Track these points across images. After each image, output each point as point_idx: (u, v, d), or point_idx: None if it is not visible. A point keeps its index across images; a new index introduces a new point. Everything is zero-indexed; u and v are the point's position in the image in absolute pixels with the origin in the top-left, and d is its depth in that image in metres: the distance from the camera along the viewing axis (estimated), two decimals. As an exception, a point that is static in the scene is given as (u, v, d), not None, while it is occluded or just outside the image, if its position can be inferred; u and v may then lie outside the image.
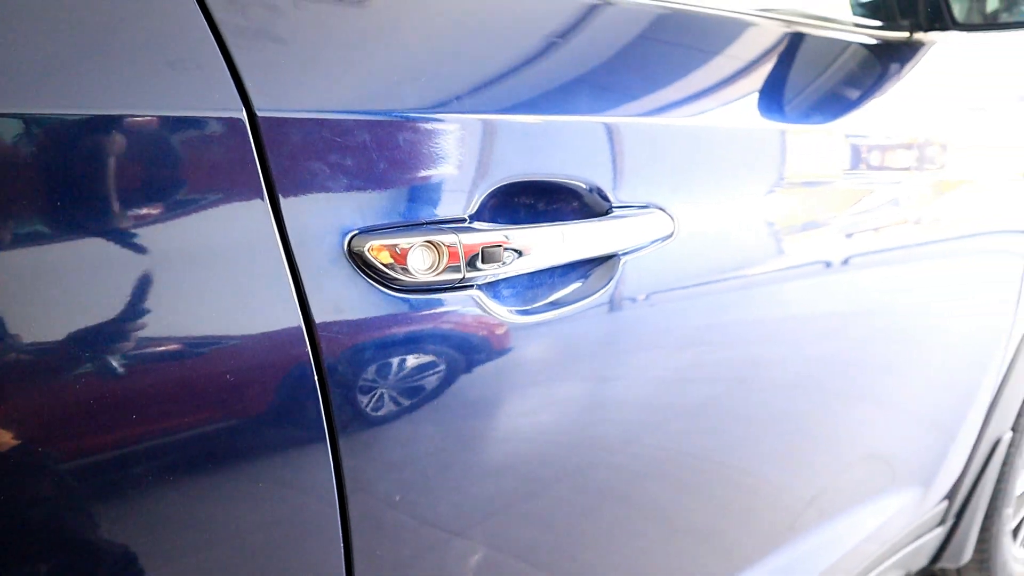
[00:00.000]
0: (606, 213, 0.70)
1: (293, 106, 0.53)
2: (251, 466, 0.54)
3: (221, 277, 0.50)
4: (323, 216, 0.54)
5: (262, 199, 0.51)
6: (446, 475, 0.64)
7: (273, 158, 0.52)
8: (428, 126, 0.59)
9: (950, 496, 1.55)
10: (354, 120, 0.56)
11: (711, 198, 0.82)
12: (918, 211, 1.13)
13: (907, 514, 1.42)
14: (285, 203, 0.52)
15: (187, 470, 0.51)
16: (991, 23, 1.22)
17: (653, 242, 0.74)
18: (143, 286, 0.48)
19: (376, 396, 0.58)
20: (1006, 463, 1.63)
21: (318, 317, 0.54)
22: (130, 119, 0.47)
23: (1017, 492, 1.74)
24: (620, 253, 0.71)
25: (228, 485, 0.53)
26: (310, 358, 0.54)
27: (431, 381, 0.60)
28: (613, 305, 0.71)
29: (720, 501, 0.97)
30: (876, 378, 1.17)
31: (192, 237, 0.49)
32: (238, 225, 0.51)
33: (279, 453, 0.55)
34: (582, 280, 0.70)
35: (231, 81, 0.51)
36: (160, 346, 0.49)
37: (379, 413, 0.58)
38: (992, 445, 1.58)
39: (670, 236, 0.75)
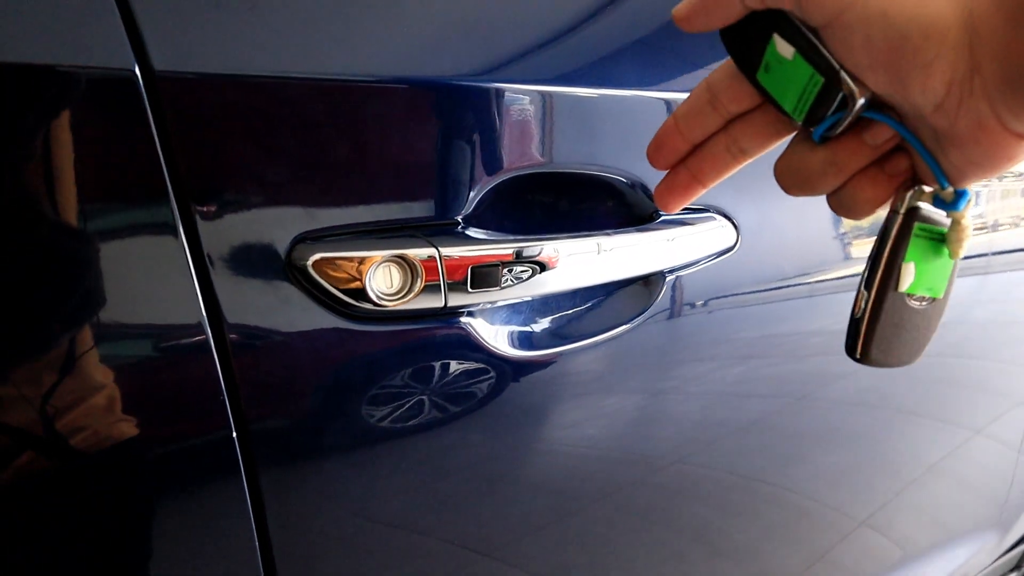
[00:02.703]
0: (651, 219, 0.54)
1: (209, 63, 0.38)
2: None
3: (111, 287, 0.35)
4: (251, 216, 0.39)
5: (161, 187, 0.36)
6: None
7: (178, 132, 0.37)
8: (402, 94, 0.43)
9: (1027, 540, 1.38)
10: (299, 83, 0.40)
11: (781, 201, 0.65)
12: (1006, 216, 0.95)
13: (980, 558, 1.25)
14: (195, 194, 0.37)
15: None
16: None
17: (711, 256, 0.57)
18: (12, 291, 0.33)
19: (317, 465, 0.43)
20: (1094, 505, 1.45)
21: (237, 356, 0.39)
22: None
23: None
24: (667, 271, 0.55)
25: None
26: (227, 406, 0.39)
27: (389, 445, 0.45)
28: (652, 329, 0.55)
29: (767, 523, 0.83)
30: (951, 396, 0.99)
31: (61, 228, 0.35)
32: (126, 220, 0.36)
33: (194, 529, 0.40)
34: (610, 303, 0.54)
35: (121, 26, 0.36)
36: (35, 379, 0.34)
37: (309, 491, 0.43)
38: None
39: (732, 249, 0.58)
